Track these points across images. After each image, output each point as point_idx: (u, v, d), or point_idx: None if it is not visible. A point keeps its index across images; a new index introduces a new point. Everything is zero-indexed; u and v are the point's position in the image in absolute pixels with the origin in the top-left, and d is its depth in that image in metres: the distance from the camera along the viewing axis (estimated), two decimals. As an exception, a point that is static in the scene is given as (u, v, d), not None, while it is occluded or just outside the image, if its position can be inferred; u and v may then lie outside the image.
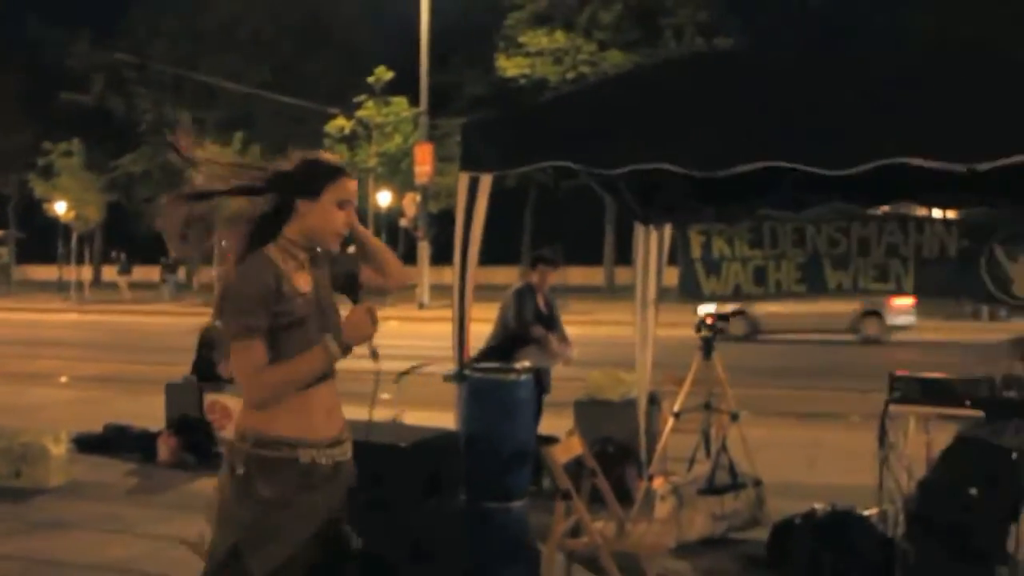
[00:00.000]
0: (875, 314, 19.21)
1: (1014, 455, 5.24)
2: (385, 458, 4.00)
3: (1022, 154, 4.15)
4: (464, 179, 5.12)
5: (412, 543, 4.18)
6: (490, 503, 4.70)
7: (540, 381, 6.37)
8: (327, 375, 2.66)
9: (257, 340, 2.54)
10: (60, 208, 36.08)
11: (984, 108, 4.18)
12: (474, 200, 5.12)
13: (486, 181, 5.12)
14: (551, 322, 6.94)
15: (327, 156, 2.82)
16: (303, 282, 2.66)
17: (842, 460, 7.19)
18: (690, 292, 6.60)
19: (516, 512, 4.75)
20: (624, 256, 33.29)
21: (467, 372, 5.03)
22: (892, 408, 5.34)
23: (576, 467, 4.38)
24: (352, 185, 2.75)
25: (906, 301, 17.70)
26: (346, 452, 2.72)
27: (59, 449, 6.93)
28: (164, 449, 7.68)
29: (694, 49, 30.21)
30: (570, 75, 32.77)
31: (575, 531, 4.29)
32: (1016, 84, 4.32)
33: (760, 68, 5.00)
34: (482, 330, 6.45)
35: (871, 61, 4.98)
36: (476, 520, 4.65)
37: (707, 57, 10.65)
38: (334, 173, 2.70)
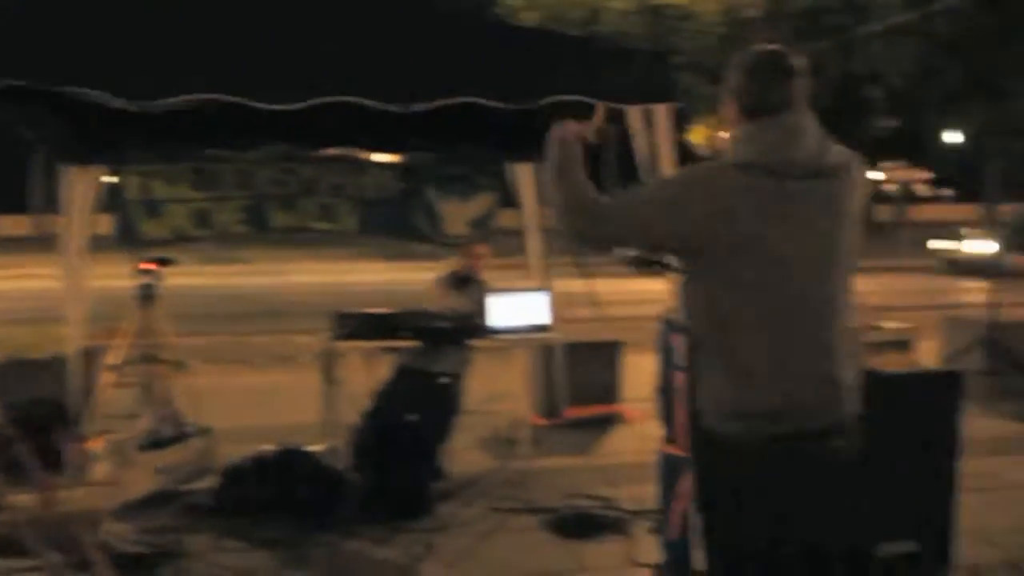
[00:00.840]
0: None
1: (445, 379, 5.66)
2: None
3: (451, 98, 4.39)
4: None
5: None
6: None
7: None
8: None
9: None
10: None
11: (419, 55, 4.34)
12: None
13: None
14: None
15: None
16: None
17: (294, 401, 7.24)
18: (127, 237, 6.18)
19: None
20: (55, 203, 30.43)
21: None
22: (337, 345, 5.44)
23: (-7, 435, 3.79)
24: None
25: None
26: None
27: None
28: None
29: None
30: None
31: (-8, 509, 3.73)
32: (450, 33, 4.54)
33: (207, 4, 4.71)
34: None
35: (319, 4, 4.95)
36: None
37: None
38: None
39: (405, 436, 5.11)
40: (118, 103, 4.22)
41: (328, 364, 5.43)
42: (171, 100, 4.21)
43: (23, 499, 3.84)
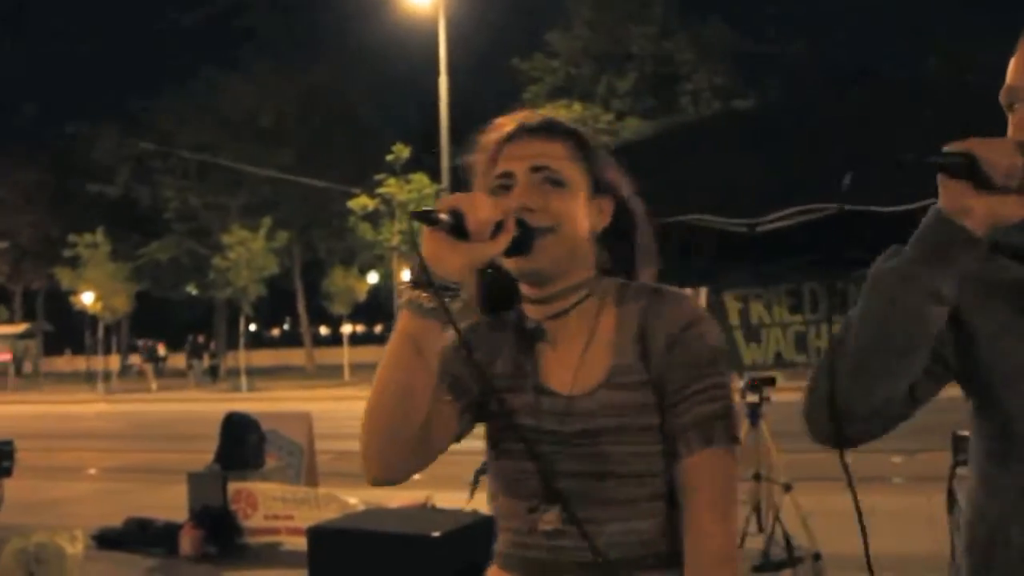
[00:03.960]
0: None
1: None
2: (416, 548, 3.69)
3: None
4: None
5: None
6: None
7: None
8: None
9: None
10: (87, 299, 36.30)
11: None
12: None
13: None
14: None
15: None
16: None
17: (897, 524, 6.77)
18: (730, 361, 6.34)
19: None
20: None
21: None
22: (959, 471, 4.97)
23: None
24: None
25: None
26: None
27: (75, 548, 6.62)
28: (187, 541, 7.36)
29: (711, 112, 30.30)
30: (590, 145, 32.82)
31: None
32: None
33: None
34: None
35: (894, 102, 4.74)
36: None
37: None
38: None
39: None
40: (734, 225, 4.36)
41: (951, 490, 4.97)
42: (776, 216, 4.24)
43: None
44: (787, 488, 5.59)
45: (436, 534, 3.97)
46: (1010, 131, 1.38)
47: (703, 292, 6.49)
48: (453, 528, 4.13)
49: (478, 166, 1.72)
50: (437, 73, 26.56)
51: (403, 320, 1.54)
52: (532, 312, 1.69)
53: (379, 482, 1.62)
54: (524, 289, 1.69)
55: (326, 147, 40.27)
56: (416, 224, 1.52)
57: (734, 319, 6.28)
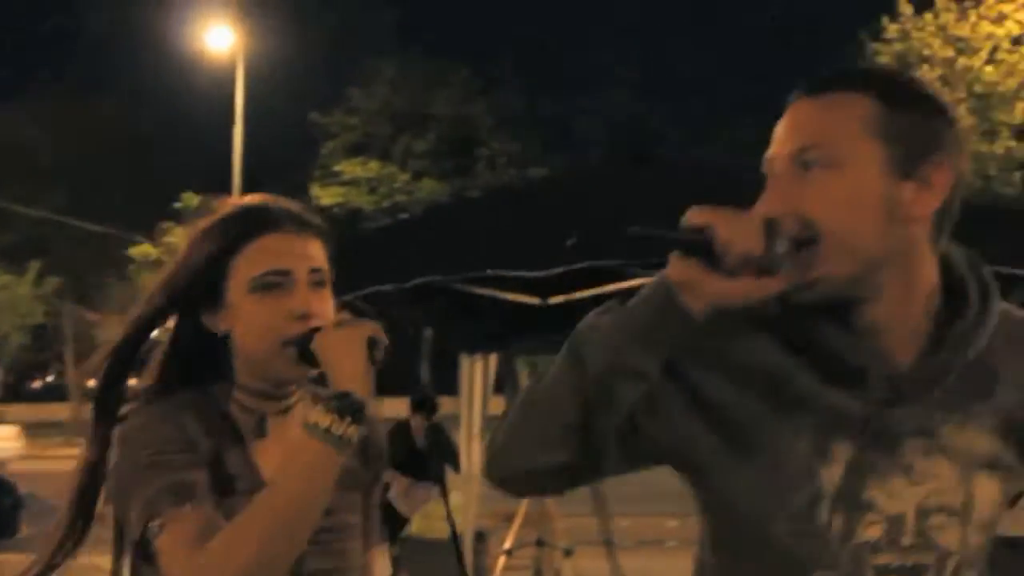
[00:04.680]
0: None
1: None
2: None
3: None
4: None
5: None
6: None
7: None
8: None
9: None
10: None
11: None
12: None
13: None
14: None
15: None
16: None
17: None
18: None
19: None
20: (440, 385, 33.04)
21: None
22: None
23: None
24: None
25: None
26: None
27: None
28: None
29: (507, 179, 31.13)
30: (385, 204, 32.89)
31: None
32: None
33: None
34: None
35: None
36: None
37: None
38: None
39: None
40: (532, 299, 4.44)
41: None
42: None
43: None
44: (568, 553, 5.67)
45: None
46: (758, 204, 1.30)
47: (493, 358, 6.55)
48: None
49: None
50: (232, 121, 25.91)
51: (323, 457, 1.42)
52: (256, 405, 1.61)
53: None
54: (251, 383, 1.60)
55: (107, 189, 38.29)
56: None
57: (524, 382, 6.37)
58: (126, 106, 40.41)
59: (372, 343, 1.47)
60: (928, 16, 22.43)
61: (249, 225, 1.57)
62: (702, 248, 1.19)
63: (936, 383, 1.30)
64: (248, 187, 29.83)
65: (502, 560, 5.68)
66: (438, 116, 34.93)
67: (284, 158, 35.54)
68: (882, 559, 1.30)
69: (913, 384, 1.30)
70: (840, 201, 1.26)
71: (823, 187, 1.26)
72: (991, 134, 21.74)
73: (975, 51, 21.80)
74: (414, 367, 38.70)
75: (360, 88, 34.93)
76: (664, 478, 1.45)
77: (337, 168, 33.57)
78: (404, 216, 26.68)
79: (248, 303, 1.54)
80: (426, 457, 7.26)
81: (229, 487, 1.51)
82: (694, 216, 1.21)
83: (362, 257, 4.86)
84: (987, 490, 1.33)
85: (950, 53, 21.96)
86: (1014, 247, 4.10)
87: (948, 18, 22.18)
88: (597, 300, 4.39)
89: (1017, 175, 21.92)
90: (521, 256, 4.32)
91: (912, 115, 1.28)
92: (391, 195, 33.26)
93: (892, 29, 22.74)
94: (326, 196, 33.33)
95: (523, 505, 5.73)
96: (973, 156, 21.73)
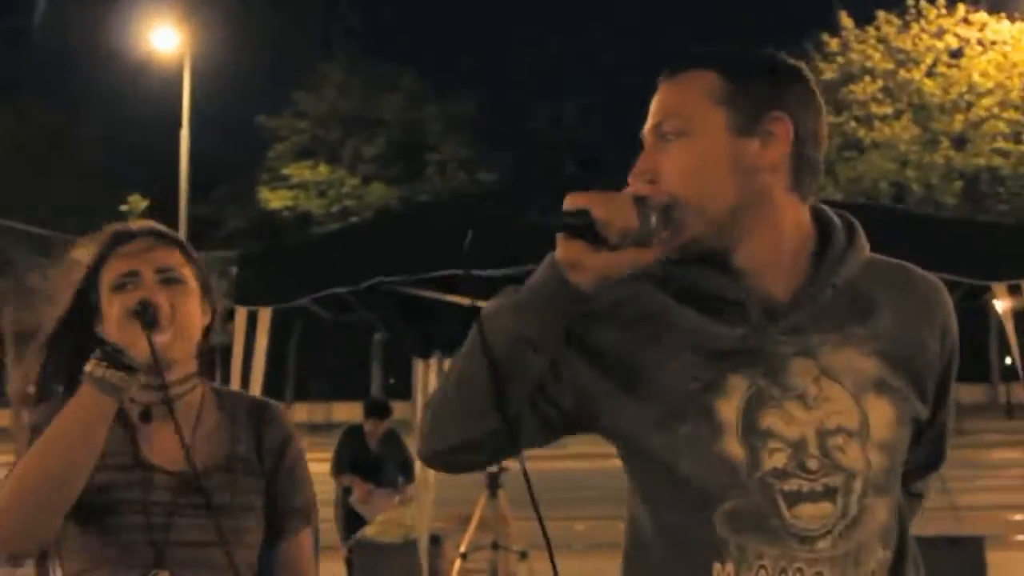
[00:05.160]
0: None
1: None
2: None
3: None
4: (242, 314, 4.87)
5: None
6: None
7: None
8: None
9: None
10: None
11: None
12: (254, 335, 4.86)
13: (264, 315, 4.86)
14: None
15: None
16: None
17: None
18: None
19: None
20: (391, 390, 32.93)
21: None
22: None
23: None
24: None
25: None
26: None
27: None
28: None
29: (457, 184, 31.19)
30: (334, 208, 32.71)
31: None
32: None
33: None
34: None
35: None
36: None
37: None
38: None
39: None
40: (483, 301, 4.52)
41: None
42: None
43: None
44: (523, 556, 5.73)
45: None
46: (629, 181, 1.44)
47: (447, 362, 6.60)
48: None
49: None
50: (179, 124, 25.61)
51: (87, 396, 1.66)
52: (142, 396, 1.83)
53: (10, 555, 1.68)
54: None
55: (53, 191, 37.54)
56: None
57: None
58: (72, 108, 39.68)
59: (143, 308, 1.73)
60: (870, 29, 22.94)
61: (111, 243, 1.87)
62: (584, 229, 1.31)
63: (810, 306, 1.41)
64: (195, 190, 29.56)
65: (458, 563, 5.72)
66: (387, 120, 34.81)
67: (232, 161, 35.15)
68: (791, 484, 1.35)
69: (788, 309, 1.41)
70: (691, 167, 1.41)
71: (677, 155, 1.42)
72: (932, 144, 22.28)
73: (916, 64, 22.33)
74: (367, 372, 38.52)
75: (307, 91, 34.67)
76: (621, 483, 1.50)
77: (286, 172, 33.31)
78: (354, 220, 26.63)
79: (109, 304, 1.80)
80: (381, 462, 7.28)
81: (100, 462, 1.71)
82: (572, 200, 1.34)
83: (313, 261, 4.93)
84: (880, 411, 1.40)
85: (891, 66, 22.48)
86: (955, 254, 4.25)
87: (890, 31, 22.71)
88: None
89: (958, 184, 22.49)
90: (472, 260, 4.39)
91: (750, 81, 1.43)
92: (340, 199, 33.05)
93: (833, 43, 23.23)
94: (275, 199, 33.04)
95: (479, 508, 5.78)
96: (914, 166, 22.35)
